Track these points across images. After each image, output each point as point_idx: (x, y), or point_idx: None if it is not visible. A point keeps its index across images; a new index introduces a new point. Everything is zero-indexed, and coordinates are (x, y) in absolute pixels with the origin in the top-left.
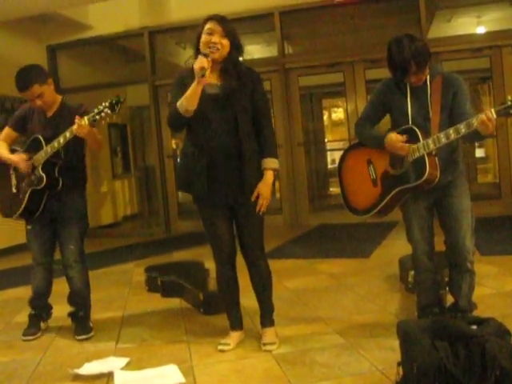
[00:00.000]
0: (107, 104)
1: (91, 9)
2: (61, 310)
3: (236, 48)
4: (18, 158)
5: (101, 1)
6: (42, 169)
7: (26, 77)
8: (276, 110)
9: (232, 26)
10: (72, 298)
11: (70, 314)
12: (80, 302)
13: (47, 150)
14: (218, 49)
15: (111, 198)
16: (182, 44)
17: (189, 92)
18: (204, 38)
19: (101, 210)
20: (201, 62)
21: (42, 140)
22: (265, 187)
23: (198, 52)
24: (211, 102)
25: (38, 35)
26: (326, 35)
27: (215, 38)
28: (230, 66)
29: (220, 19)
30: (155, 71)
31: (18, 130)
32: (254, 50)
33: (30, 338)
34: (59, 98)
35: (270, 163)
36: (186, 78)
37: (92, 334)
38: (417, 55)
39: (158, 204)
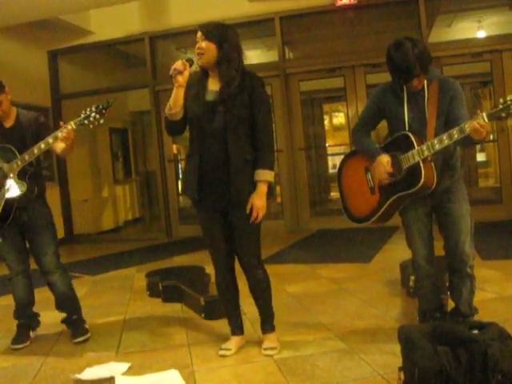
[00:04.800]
0: (93, 109)
1: (92, 14)
2: (59, 315)
3: (221, 48)
4: None
5: (101, 6)
6: (18, 176)
7: None
8: (277, 114)
9: (218, 30)
10: (60, 304)
11: (64, 321)
12: (69, 305)
13: (24, 158)
14: (201, 53)
15: (112, 203)
16: (182, 49)
17: (172, 96)
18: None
19: (102, 215)
20: (175, 64)
21: (16, 150)
22: (258, 200)
23: None
24: (208, 109)
25: (39, 41)
26: (327, 40)
27: (198, 44)
28: (224, 68)
29: (202, 25)
30: (156, 76)
31: None
32: (255, 55)
33: (20, 346)
34: (15, 110)
35: (262, 175)
36: (188, 83)
37: (89, 335)
38: (421, 57)
39: (159, 209)
